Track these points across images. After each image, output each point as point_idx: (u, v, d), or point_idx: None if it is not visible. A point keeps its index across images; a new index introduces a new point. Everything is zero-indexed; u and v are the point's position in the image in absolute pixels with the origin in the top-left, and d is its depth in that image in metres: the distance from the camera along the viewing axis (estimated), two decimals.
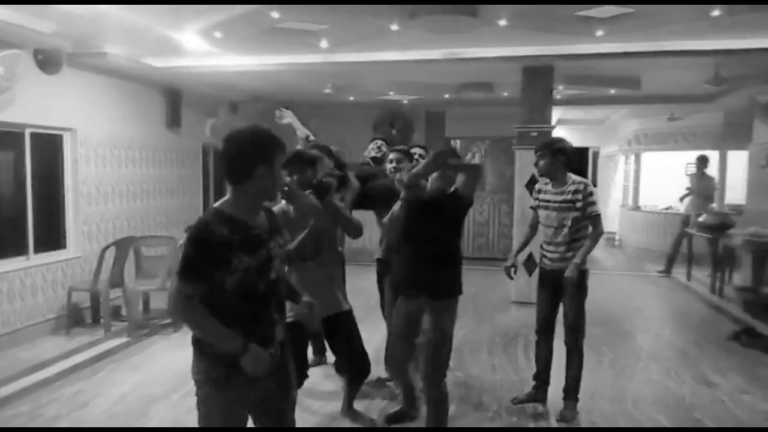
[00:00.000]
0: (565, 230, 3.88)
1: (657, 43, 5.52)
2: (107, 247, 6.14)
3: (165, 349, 5.48)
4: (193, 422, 3.76)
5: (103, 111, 6.83)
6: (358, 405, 4.04)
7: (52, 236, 6.29)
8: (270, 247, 2.18)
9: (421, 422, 3.70)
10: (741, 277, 8.22)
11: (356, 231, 3.42)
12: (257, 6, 4.24)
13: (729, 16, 4.47)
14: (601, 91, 8.55)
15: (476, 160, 4.60)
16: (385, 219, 3.46)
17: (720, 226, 8.14)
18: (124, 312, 6.27)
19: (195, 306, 2.04)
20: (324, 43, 5.43)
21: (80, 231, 6.49)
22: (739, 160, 9.98)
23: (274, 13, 4.40)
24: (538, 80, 6.84)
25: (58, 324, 6.01)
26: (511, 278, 4.19)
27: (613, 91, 8.43)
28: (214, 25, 4.95)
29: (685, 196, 9.53)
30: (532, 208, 4.19)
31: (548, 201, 3.98)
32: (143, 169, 7.59)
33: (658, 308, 7.31)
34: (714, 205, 9.30)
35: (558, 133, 9.47)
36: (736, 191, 10.42)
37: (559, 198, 3.92)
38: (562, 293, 3.94)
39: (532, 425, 3.96)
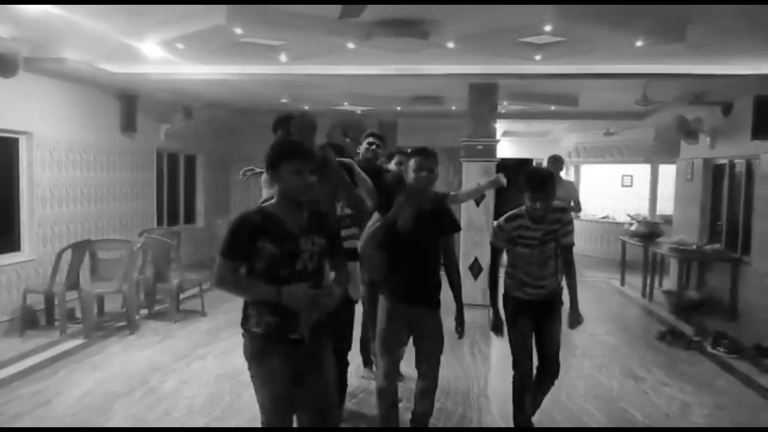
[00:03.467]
0: (552, 261, 3.58)
1: (588, 66, 6.04)
2: (64, 250, 6.21)
3: (123, 350, 5.60)
4: (157, 418, 4.02)
5: (59, 115, 6.88)
6: None
7: (6, 239, 6.31)
8: (299, 242, 2.50)
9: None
10: (669, 282, 8.89)
11: (361, 200, 3.52)
12: (221, 21, 4.46)
13: (651, 46, 4.98)
14: (542, 107, 9.10)
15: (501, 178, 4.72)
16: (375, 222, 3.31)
17: (650, 235, 8.79)
18: (78, 314, 6.33)
19: (233, 275, 2.48)
20: (283, 57, 5.69)
21: (35, 234, 6.52)
22: (669, 174, 10.74)
23: (237, 29, 4.63)
24: (484, 96, 7.29)
25: (12, 326, 6.04)
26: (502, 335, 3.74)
27: (553, 107, 8.98)
28: (176, 38, 5.13)
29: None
30: (495, 246, 3.68)
31: (530, 238, 3.54)
32: (98, 173, 7.64)
33: (594, 310, 7.83)
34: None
35: (503, 144, 10.00)
36: (665, 202, 11.22)
37: (539, 233, 3.53)
38: (542, 322, 3.65)
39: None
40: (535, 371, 3.69)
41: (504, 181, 4.70)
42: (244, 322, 2.55)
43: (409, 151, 4.07)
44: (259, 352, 2.50)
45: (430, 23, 4.71)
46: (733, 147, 7.70)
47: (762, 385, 5.00)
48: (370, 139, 4.50)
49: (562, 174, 8.33)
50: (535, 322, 3.64)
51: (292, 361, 2.49)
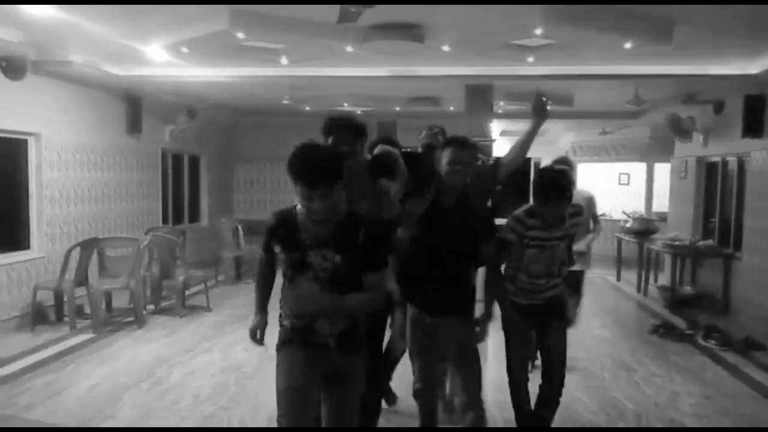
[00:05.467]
0: (556, 268, 3.38)
1: (580, 67, 6.21)
2: (72, 248, 6.41)
3: (130, 344, 5.79)
4: (165, 408, 4.15)
5: (66, 117, 7.06)
6: None
7: (16, 237, 6.50)
8: (307, 255, 2.35)
9: None
10: (664, 277, 9.05)
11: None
12: (224, 26, 4.64)
13: (640, 47, 5.15)
14: None
15: None
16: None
17: (645, 232, 8.97)
18: (87, 310, 6.51)
19: (262, 267, 2.64)
20: (284, 60, 5.88)
21: (44, 232, 6.71)
22: (664, 172, 10.90)
23: (240, 33, 4.82)
24: (479, 97, 7.46)
25: (23, 321, 6.23)
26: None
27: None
28: (181, 42, 5.32)
29: None
30: (506, 240, 3.30)
31: (543, 239, 3.30)
32: (105, 173, 7.83)
33: (590, 305, 7.99)
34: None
35: (501, 144, 10.15)
36: (661, 200, 11.37)
37: (555, 235, 3.31)
38: (544, 329, 3.47)
39: None
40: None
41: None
42: (280, 315, 2.55)
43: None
44: (283, 344, 2.51)
45: (425, 27, 4.89)
46: (725, 145, 7.86)
47: (748, 375, 5.17)
48: (435, 129, 3.98)
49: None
50: (537, 330, 3.48)
51: (315, 363, 2.43)
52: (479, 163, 3.65)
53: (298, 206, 2.38)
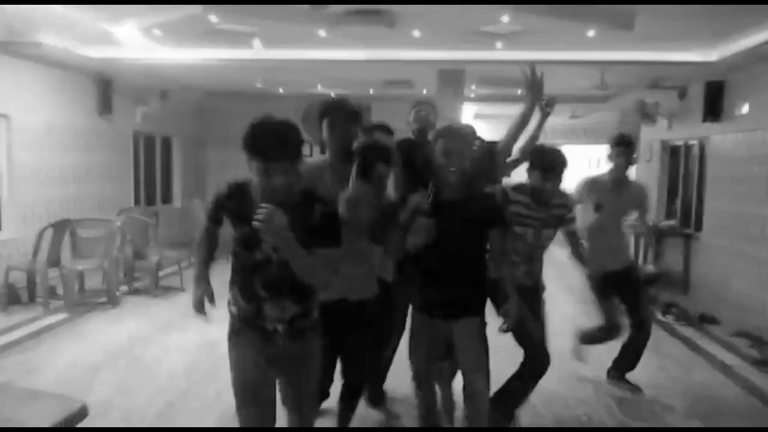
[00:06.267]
0: (540, 252, 3.42)
1: (548, 53, 6.38)
2: (45, 229, 6.41)
3: (105, 324, 5.85)
4: (140, 385, 4.19)
5: (36, 98, 7.02)
6: None
7: None
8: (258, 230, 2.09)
9: None
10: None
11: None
12: (197, 10, 4.69)
13: (603, 34, 5.33)
14: (510, 91, 9.43)
15: None
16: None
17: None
18: (59, 291, 6.53)
19: (204, 235, 2.56)
20: (257, 44, 5.93)
21: (16, 214, 6.69)
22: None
23: (212, 17, 4.86)
24: (451, 82, 7.59)
25: None
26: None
27: (520, 91, 9.31)
28: (153, 24, 5.34)
29: None
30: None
31: (531, 218, 3.28)
32: (76, 155, 7.80)
33: (555, 284, 8.25)
34: None
35: (476, 126, 10.33)
36: None
37: (542, 215, 3.29)
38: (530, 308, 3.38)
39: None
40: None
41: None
42: (228, 302, 2.42)
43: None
44: (233, 333, 2.39)
45: (395, 13, 5.00)
46: (688, 129, 8.13)
47: (701, 347, 5.46)
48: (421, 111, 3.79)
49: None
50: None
51: (266, 351, 2.31)
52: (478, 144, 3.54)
53: (254, 180, 2.22)
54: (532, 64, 3.41)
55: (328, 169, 3.01)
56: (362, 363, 3.08)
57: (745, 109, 6.62)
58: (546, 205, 3.27)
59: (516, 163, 3.59)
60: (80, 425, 2.37)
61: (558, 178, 3.21)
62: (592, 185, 4.23)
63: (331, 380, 3.25)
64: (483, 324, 2.95)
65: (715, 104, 7.09)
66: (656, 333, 5.87)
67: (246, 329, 2.34)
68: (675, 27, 5.50)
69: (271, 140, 2.09)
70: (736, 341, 5.58)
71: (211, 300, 2.49)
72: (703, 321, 6.15)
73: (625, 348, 4.37)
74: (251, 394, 2.32)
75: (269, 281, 2.26)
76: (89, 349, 5.08)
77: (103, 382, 4.39)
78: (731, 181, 6.89)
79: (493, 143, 3.58)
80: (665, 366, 4.96)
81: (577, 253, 3.81)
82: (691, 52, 6.45)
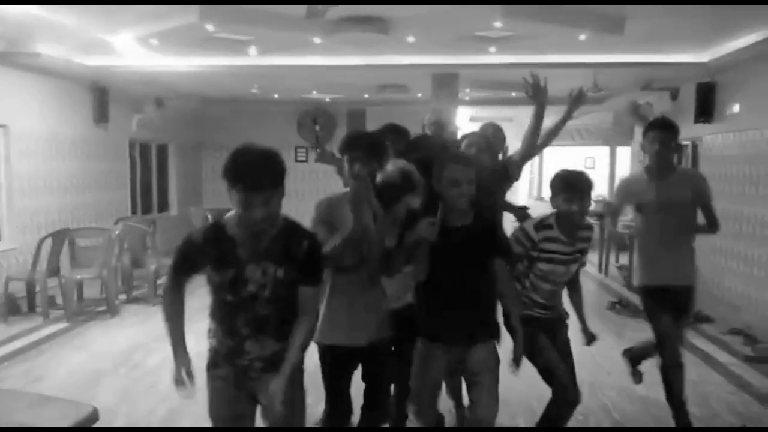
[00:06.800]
0: (561, 289, 3.20)
1: (541, 56, 6.45)
2: (44, 239, 6.44)
3: (105, 332, 5.89)
4: (143, 391, 4.20)
5: (34, 108, 7.06)
6: None
7: None
8: (244, 270, 2.14)
9: None
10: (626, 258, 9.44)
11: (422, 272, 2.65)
12: (194, 19, 4.74)
13: (595, 38, 5.40)
14: (504, 94, 9.50)
15: None
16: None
17: (605, 214, 9.31)
18: (59, 300, 6.55)
19: (171, 297, 2.34)
20: (253, 51, 5.99)
21: (14, 224, 6.72)
22: (627, 156, 11.29)
23: (209, 26, 4.92)
24: (445, 86, 7.65)
25: None
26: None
27: (514, 94, 9.39)
28: (150, 34, 5.38)
29: None
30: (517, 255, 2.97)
31: (559, 253, 3.00)
32: (73, 164, 7.84)
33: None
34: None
35: (471, 129, 10.40)
36: None
37: (570, 249, 3.01)
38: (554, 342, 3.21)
39: None
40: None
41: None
42: (209, 331, 2.36)
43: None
44: (210, 365, 2.35)
45: (389, 20, 5.06)
46: (681, 130, 8.18)
47: (694, 345, 5.51)
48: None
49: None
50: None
51: (242, 385, 2.28)
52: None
53: (227, 216, 2.18)
54: (534, 73, 3.40)
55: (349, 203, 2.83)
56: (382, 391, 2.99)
57: (736, 109, 6.70)
58: (573, 236, 3.00)
59: (524, 160, 3.55)
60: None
61: (583, 198, 2.93)
62: (627, 185, 3.90)
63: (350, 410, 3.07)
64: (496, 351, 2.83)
65: (706, 105, 7.17)
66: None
67: (224, 365, 2.30)
68: (666, 29, 5.57)
69: (253, 168, 2.01)
70: (729, 339, 5.65)
71: (190, 376, 2.30)
72: (697, 320, 6.21)
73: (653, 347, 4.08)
74: (228, 427, 2.35)
75: (255, 319, 2.22)
76: (91, 358, 5.11)
77: (106, 390, 4.43)
78: (724, 180, 6.96)
79: (508, 158, 3.59)
80: (659, 364, 5.01)
81: (575, 288, 3.38)
82: (683, 53, 6.54)
